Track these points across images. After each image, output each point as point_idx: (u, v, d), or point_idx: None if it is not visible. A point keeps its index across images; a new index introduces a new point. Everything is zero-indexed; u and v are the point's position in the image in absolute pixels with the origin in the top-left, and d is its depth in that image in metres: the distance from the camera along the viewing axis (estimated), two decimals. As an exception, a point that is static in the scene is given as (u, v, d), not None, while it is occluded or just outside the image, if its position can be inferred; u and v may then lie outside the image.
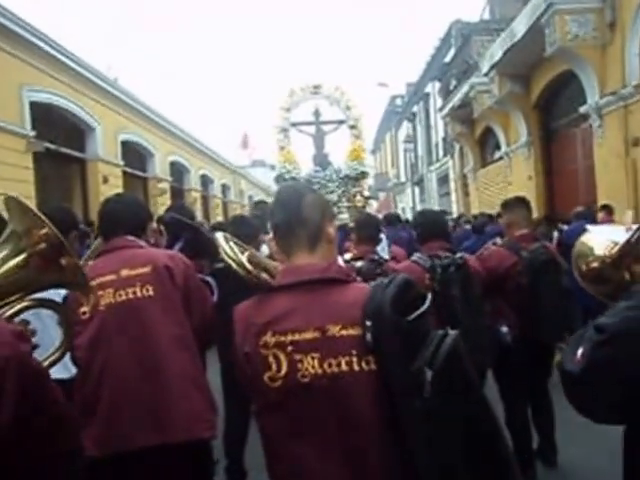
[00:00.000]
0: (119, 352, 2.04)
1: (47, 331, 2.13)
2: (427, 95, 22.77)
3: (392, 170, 35.75)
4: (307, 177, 18.31)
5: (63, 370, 2.37)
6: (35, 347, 1.30)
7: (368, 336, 1.31)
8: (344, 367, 1.34)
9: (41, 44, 10.79)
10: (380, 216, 9.47)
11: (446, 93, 15.96)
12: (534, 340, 3.35)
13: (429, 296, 1.38)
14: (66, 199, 13.50)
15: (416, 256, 3.16)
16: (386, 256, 3.91)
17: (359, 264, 3.02)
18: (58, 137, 11.94)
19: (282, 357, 1.37)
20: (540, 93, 11.10)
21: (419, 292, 1.40)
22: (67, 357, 2.15)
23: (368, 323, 1.32)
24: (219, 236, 1.84)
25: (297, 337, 1.37)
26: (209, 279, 2.75)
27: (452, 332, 1.32)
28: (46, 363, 1.60)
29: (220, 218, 24.07)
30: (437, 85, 18.65)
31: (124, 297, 2.07)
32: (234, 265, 1.71)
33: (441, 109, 16.86)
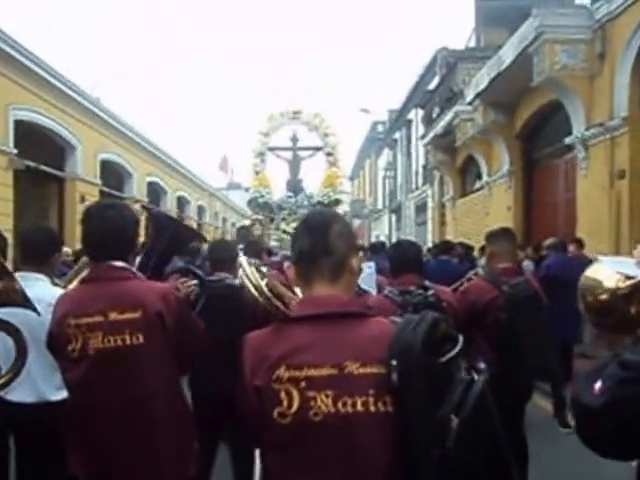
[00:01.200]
0: (106, 398, 1.98)
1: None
2: (409, 122, 22.95)
3: (369, 197, 35.93)
4: (279, 202, 18.34)
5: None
6: None
7: (394, 376, 1.25)
8: (359, 407, 1.29)
9: (27, 62, 10.82)
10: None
11: (429, 121, 16.11)
12: (512, 378, 3.17)
13: (460, 338, 1.32)
14: (43, 218, 13.27)
15: (387, 290, 3.06)
16: (365, 287, 3.74)
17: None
18: (39, 155, 11.77)
19: (294, 393, 1.31)
20: (524, 123, 11.23)
21: (448, 332, 1.33)
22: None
23: (394, 362, 1.26)
24: (243, 260, 1.79)
25: (312, 373, 1.31)
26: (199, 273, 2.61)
27: (479, 377, 1.27)
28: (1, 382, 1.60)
29: (196, 241, 23.73)
30: (420, 112, 18.84)
31: (112, 344, 1.97)
32: (253, 290, 1.69)
33: (423, 137, 16.99)
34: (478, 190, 14.33)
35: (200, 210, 28.32)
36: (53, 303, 2.12)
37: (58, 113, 12.28)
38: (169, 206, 21.70)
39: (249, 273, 1.72)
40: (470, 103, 11.92)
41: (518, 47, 9.19)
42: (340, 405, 1.29)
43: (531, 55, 8.88)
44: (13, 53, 10.21)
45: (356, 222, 36.38)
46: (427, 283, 3.08)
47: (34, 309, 2.04)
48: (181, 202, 24.47)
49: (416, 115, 21.10)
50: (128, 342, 1.97)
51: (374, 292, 3.76)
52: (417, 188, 22.16)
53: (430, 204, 19.65)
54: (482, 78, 11.02)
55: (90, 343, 1.96)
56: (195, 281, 2.50)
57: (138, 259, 2.64)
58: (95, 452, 1.99)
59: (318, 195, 18.06)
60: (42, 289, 2.43)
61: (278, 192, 18.71)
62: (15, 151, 10.36)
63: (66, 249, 7.83)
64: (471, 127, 12.56)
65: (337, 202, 19.19)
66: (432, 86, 17.43)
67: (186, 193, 24.79)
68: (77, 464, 1.99)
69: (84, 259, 2.72)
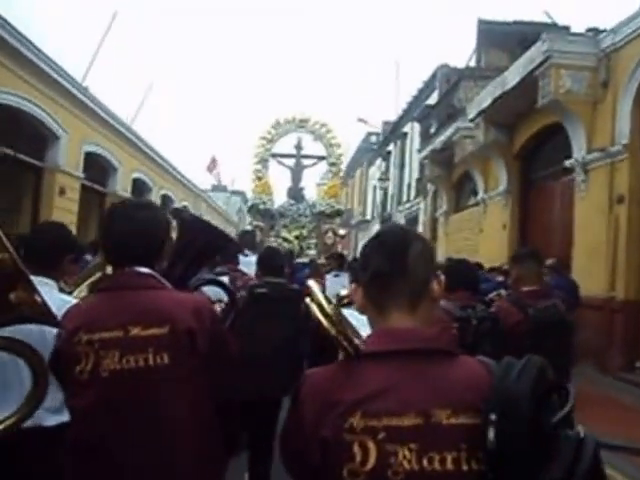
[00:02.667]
0: (120, 431, 1.66)
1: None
2: (405, 135, 23.19)
3: (358, 207, 36.05)
4: (280, 209, 18.31)
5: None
6: None
7: (490, 433, 1.05)
8: (449, 465, 1.08)
9: (11, 40, 10.26)
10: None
11: (427, 135, 16.26)
12: None
13: (572, 390, 1.11)
14: (16, 209, 12.92)
15: (443, 302, 2.97)
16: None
17: None
18: (17, 141, 11.46)
19: (371, 446, 1.10)
20: (524, 143, 11.38)
21: (553, 381, 1.14)
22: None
23: (493, 417, 1.05)
24: (312, 284, 1.49)
25: (393, 422, 1.10)
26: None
27: (588, 436, 1.06)
28: (8, 423, 1.36)
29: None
30: (417, 126, 19.01)
31: (133, 364, 1.66)
32: (324, 321, 1.37)
33: (420, 150, 17.14)
34: (473, 206, 14.47)
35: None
36: (60, 313, 1.81)
37: (42, 98, 11.88)
38: (152, 204, 21.51)
39: (320, 299, 1.40)
40: (472, 120, 12.06)
41: (525, 69, 9.37)
42: (426, 462, 1.08)
43: (537, 77, 9.08)
44: None
45: (341, 232, 36.51)
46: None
47: (56, 324, 1.70)
48: (165, 201, 24.30)
49: (412, 128, 21.31)
50: (151, 362, 1.66)
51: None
52: (409, 200, 22.31)
53: (422, 218, 19.78)
54: (485, 96, 11.17)
55: (103, 363, 1.65)
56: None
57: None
58: None
59: (320, 205, 18.04)
60: (46, 295, 2.14)
61: (279, 199, 18.69)
62: (-10, 137, 10.04)
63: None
64: (471, 144, 12.70)
65: (339, 213, 19.22)
66: (431, 101, 17.61)
67: (171, 192, 24.62)
68: None
69: (96, 260, 2.52)
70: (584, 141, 8.93)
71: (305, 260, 12.29)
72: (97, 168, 16.14)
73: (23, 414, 1.40)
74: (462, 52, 28.48)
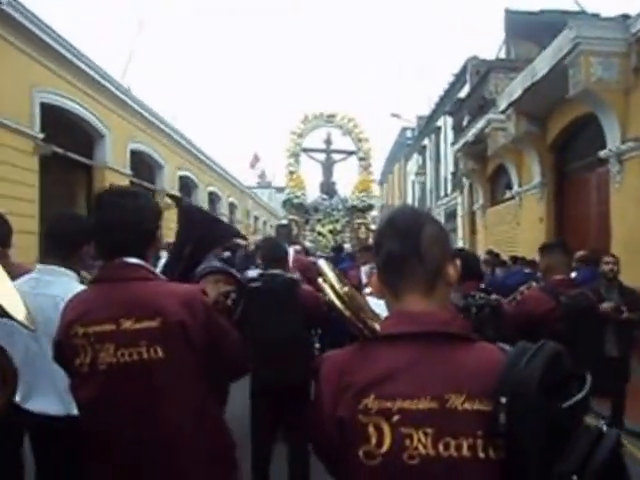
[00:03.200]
0: (124, 422, 1.63)
1: None
2: (439, 129, 22.70)
3: (399, 202, 35.63)
4: (313, 204, 18.30)
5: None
6: None
7: (501, 417, 1.01)
8: (465, 452, 1.04)
9: (55, 45, 10.63)
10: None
11: (459, 128, 15.84)
12: None
13: (589, 377, 1.05)
14: (70, 206, 13.28)
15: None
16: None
17: None
18: (66, 141, 11.77)
19: (385, 428, 1.06)
20: (557, 134, 10.90)
21: (570, 369, 1.08)
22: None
23: (503, 400, 1.01)
24: (323, 264, 1.48)
25: (407, 405, 1.07)
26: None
27: (610, 430, 1.02)
28: None
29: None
30: (449, 119, 18.56)
31: (127, 358, 1.62)
32: (337, 302, 1.36)
33: (453, 144, 16.71)
34: (508, 200, 14.00)
35: (231, 207, 28.43)
36: None
37: (87, 99, 12.19)
38: (200, 201, 21.76)
39: (332, 279, 1.36)
40: (503, 112, 11.64)
41: (554, 58, 8.92)
42: (442, 447, 1.04)
43: (566, 67, 8.64)
44: (38, 32, 10.03)
45: (374, 226, 36.16)
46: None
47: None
48: (212, 198, 24.58)
49: (445, 122, 20.84)
50: (145, 356, 1.61)
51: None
52: (446, 195, 21.85)
53: (460, 211, 19.32)
54: (515, 87, 10.74)
55: (100, 357, 1.62)
56: (230, 287, 2.18)
57: (163, 260, 2.37)
58: None
59: (352, 199, 17.95)
60: (65, 286, 2.03)
61: (311, 194, 18.69)
62: (41, 135, 10.30)
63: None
64: (503, 136, 12.27)
65: (370, 207, 19.11)
66: (462, 94, 17.16)
67: (217, 189, 24.90)
68: None
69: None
70: (618, 131, 8.45)
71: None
72: (144, 166, 16.43)
73: None
74: (492, 44, 27.74)
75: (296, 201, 18.03)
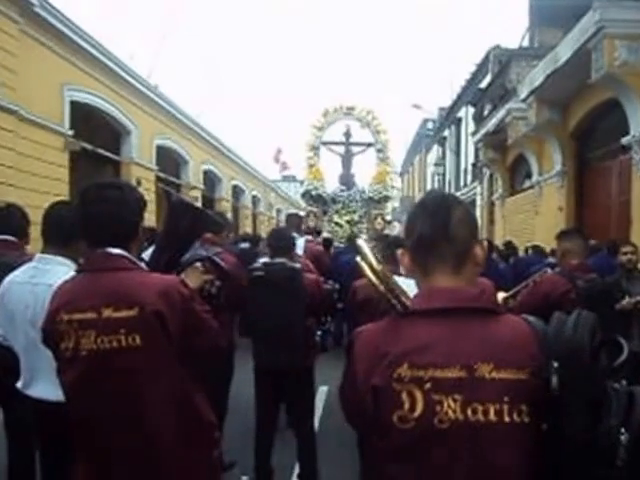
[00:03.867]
0: (104, 405, 1.67)
1: None
2: (459, 120, 22.24)
3: (419, 193, 35.20)
4: (332, 195, 18.23)
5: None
6: None
7: (554, 380, 1.07)
8: (492, 416, 1.09)
9: (84, 44, 10.72)
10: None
11: (480, 118, 15.44)
12: None
13: (625, 344, 1.15)
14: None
15: None
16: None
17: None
18: (94, 138, 11.83)
19: (418, 395, 1.12)
20: (578, 121, 10.48)
21: (608, 336, 1.17)
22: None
23: (556, 364, 1.08)
24: (362, 243, 1.51)
25: (438, 374, 1.12)
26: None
27: (637, 389, 1.10)
28: None
29: (249, 229, 23.85)
30: (470, 110, 18.14)
31: (107, 345, 1.65)
32: (374, 278, 1.42)
33: (474, 134, 16.32)
34: (528, 189, 13.62)
35: (255, 200, 28.41)
36: None
37: (115, 97, 12.25)
38: (224, 194, 21.79)
39: (369, 256, 1.44)
40: (524, 100, 11.25)
41: (577, 42, 8.50)
42: (470, 412, 1.10)
43: (589, 51, 8.22)
44: (68, 32, 10.08)
45: (389, 217, 35.81)
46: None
47: None
48: (236, 191, 24.57)
49: (466, 113, 20.38)
50: (124, 344, 1.64)
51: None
52: (466, 185, 21.45)
53: (479, 202, 18.94)
54: (537, 75, 10.34)
55: (82, 342, 1.67)
56: (210, 276, 2.21)
57: (150, 250, 2.42)
58: (93, 466, 1.72)
59: (369, 190, 17.84)
60: (62, 275, 2.04)
61: (330, 185, 18.65)
62: (71, 132, 10.37)
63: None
64: (523, 125, 11.86)
65: (386, 199, 19.02)
66: (484, 84, 16.72)
67: (241, 182, 24.88)
68: (81, 474, 1.74)
69: None
70: (642, 116, 8.04)
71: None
72: (169, 161, 16.47)
73: None
74: (516, 33, 26.96)
75: (315, 192, 17.98)
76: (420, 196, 34.04)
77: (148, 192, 14.09)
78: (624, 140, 8.48)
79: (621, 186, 9.30)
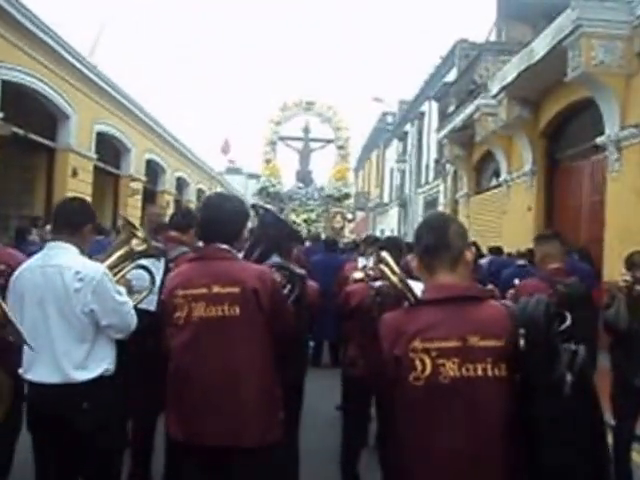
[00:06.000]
0: (205, 361, 2.28)
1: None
2: (422, 114, 22.61)
3: (375, 190, 35.60)
4: (289, 193, 18.20)
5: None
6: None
7: (521, 342, 1.61)
8: (480, 372, 1.64)
9: (17, 15, 10.09)
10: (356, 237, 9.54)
11: (445, 114, 15.74)
12: None
13: (568, 315, 1.73)
14: (29, 190, 12.79)
15: None
16: None
17: (378, 284, 3.05)
18: (28, 122, 11.26)
19: (427, 360, 1.65)
20: (550, 120, 10.85)
21: (557, 310, 1.71)
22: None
23: (522, 331, 1.62)
24: (385, 255, 2.28)
25: (442, 344, 1.65)
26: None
27: (580, 348, 1.64)
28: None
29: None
30: (434, 104, 18.48)
31: (214, 313, 2.28)
32: (394, 278, 2.15)
33: (438, 130, 16.62)
34: (495, 188, 13.99)
35: (200, 193, 27.93)
36: (82, 272, 2.39)
37: (52, 77, 11.70)
38: (167, 186, 21.30)
39: (392, 264, 2.19)
40: (494, 96, 11.54)
41: (553, 39, 8.81)
42: (464, 370, 1.64)
43: (566, 49, 8.54)
44: (5, 5, 9.65)
45: (359, 215, 36.08)
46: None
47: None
48: (180, 183, 24.08)
49: (429, 107, 20.75)
50: (227, 312, 2.27)
51: None
52: (427, 183, 21.84)
53: (441, 200, 19.33)
54: (509, 71, 10.63)
55: (194, 311, 2.28)
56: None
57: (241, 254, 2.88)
58: (188, 414, 2.28)
59: (329, 188, 17.92)
60: (69, 257, 2.50)
61: (287, 182, 18.61)
62: (0, 115, 9.84)
63: (49, 227, 7.44)
64: (493, 122, 12.17)
65: (347, 196, 19.22)
66: (449, 78, 17.06)
67: (186, 174, 24.39)
68: (174, 425, 2.33)
69: (121, 236, 2.91)
70: (617, 117, 8.37)
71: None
72: (110, 149, 15.93)
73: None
74: (481, 27, 27.57)
75: (272, 190, 17.96)
76: (377, 192, 34.50)
77: (85, 184, 13.57)
78: (599, 140, 8.83)
79: (593, 187, 9.70)
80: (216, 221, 2.43)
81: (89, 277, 2.39)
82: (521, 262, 8.79)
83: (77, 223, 2.63)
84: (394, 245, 3.66)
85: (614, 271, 7.17)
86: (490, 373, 1.62)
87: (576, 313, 3.23)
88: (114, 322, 2.49)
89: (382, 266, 2.16)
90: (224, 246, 2.40)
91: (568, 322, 1.67)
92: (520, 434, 1.62)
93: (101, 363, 2.47)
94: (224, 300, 2.27)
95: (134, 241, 2.76)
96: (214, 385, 2.26)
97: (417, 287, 1.95)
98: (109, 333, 2.51)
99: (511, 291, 3.90)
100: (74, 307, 2.40)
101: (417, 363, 1.63)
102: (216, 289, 2.27)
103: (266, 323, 2.32)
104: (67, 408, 2.41)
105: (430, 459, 1.64)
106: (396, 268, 2.14)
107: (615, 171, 8.60)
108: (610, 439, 3.62)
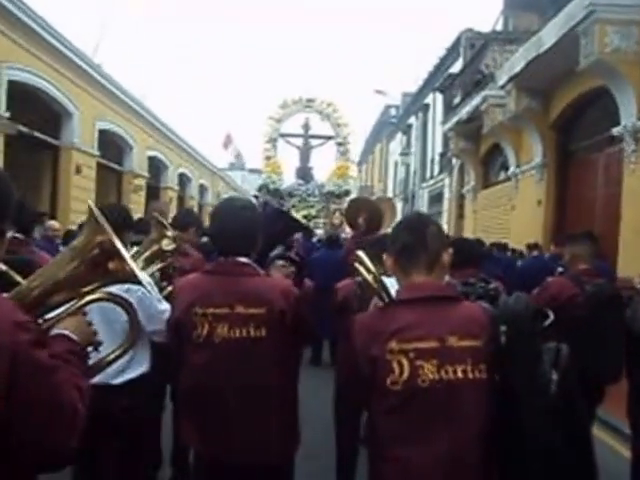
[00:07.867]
0: (230, 380, 2.20)
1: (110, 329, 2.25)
2: (427, 106, 22.28)
3: (379, 184, 35.33)
4: (289, 189, 18.10)
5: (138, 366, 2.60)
6: (99, 344, 1.60)
7: (502, 338, 1.61)
8: (459, 374, 1.58)
9: (24, 17, 10.09)
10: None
11: (450, 106, 15.47)
12: (586, 376, 2.94)
13: (550, 313, 1.76)
14: (35, 187, 12.71)
15: (447, 279, 3.00)
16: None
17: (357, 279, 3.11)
18: (33, 120, 11.17)
19: (405, 362, 1.58)
20: (561, 111, 10.60)
21: (538, 308, 1.74)
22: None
23: (503, 328, 1.62)
24: (361, 254, 2.22)
25: (419, 345, 1.59)
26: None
27: (562, 346, 1.65)
28: (109, 358, 1.81)
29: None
30: (439, 96, 18.18)
31: (238, 335, 2.19)
32: (368, 277, 2.14)
33: (443, 122, 16.35)
34: (503, 182, 13.74)
35: (202, 189, 27.74)
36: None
37: (56, 76, 11.63)
38: (170, 183, 21.15)
39: (367, 262, 2.14)
40: (502, 87, 11.29)
41: (564, 27, 8.53)
42: (443, 372, 1.57)
43: (578, 36, 8.26)
44: (5, 3, 9.54)
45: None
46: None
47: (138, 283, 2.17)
48: (182, 179, 23.90)
49: (434, 99, 20.45)
50: (252, 334, 2.18)
51: None
52: (432, 177, 21.56)
53: (447, 194, 19.06)
54: (518, 60, 10.37)
55: (217, 330, 2.19)
56: (292, 268, 2.78)
57: None
58: (212, 431, 2.22)
59: (329, 185, 17.83)
60: None
61: (287, 179, 18.52)
62: (7, 114, 9.72)
63: (52, 222, 7.29)
64: (501, 113, 11.93)
65: (347, 193, 19.19)
66: (454, 69, 16.77)
67: (188, 170, 24.21)
68: (197, 443, 2.28)
69: (146, 239, 2.84)
70: (634, 106, 8.10)
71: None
72: (113, 147, 15.83)
73: (125, 349, 1.86)
74: (488, 16, 27.25)
75: (272, 186, 17.91)
76: (380, 186, 34.22)
77: (88, 180, 13.49)
78: (615, 130, 8.57)
79: (608, 180, 9.43)
80: (234, 233, 2.28)
81: (135, 287, 2.33)
82: (535, 253, 8.71)
83: (119, 232, 2.60)
84: (377, 242, 3.57)
85: (629, 267, 6.97)
86: (470, 375, 1.57)
87: (607, 315, 3.23)
88: (158, 328, 2.53)
89: (357, 264, 2.14)
90: (244, 260, 2.29)
91: (550, 319, 1.67)
92: (499, 435, 1.60)
93: (139, 367, 2.56)
94: (249, 321, 2.19)
95: (164, 241, 2.76)
96: (242, 403, 2.22)
97: (391, 285, 1.96)
98: (152, 337, 2.59)
99: (536, 290, 3.78)
100: (120, 316, 2.29)
101: (394, 366, 1.57)
102: (240, 309, 2.19)
103: (290, 341, 2.28)
104: (109, 407, 2.38)
105: (410, 465, 1.58)
106: (371, 266, 2.11)
107: (632, 163, 8.33)
108: (627, 453, 3.57)
